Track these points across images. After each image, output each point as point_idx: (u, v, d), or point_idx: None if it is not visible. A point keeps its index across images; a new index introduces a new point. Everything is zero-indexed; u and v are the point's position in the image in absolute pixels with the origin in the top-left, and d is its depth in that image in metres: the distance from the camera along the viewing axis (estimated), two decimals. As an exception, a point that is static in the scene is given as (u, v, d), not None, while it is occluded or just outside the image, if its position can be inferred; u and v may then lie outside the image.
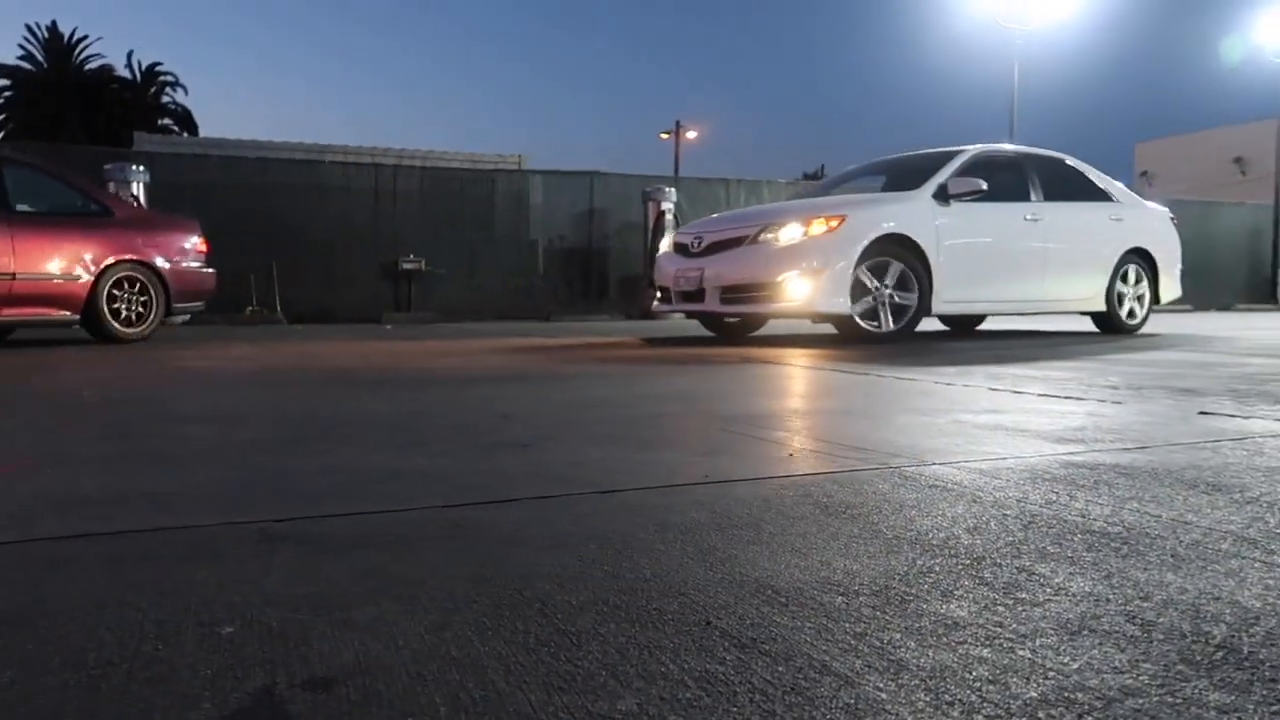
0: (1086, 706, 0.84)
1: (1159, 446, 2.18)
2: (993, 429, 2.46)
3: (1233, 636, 1.00)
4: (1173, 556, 1.30)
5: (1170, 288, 7.96)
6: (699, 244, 6.63)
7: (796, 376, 4.02)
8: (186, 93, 37.20)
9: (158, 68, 38.92)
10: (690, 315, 7.09)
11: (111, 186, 11.20)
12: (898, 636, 1.00)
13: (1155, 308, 7.85)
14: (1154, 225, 7.91)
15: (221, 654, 0.97)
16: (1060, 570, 1.24)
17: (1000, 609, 1.09)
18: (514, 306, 13.02)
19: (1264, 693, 0.86)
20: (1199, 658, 0.94)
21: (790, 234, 6.12)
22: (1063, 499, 1.65)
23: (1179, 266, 8.07)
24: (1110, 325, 7.58)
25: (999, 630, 1.02)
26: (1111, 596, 1.13)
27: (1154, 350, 5.60)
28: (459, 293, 12.72)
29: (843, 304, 6.06)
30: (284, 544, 1.37)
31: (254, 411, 2.93)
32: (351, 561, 1.28)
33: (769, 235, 6.18)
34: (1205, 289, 17.58)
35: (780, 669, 0.92)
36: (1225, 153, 32.85)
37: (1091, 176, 7.69)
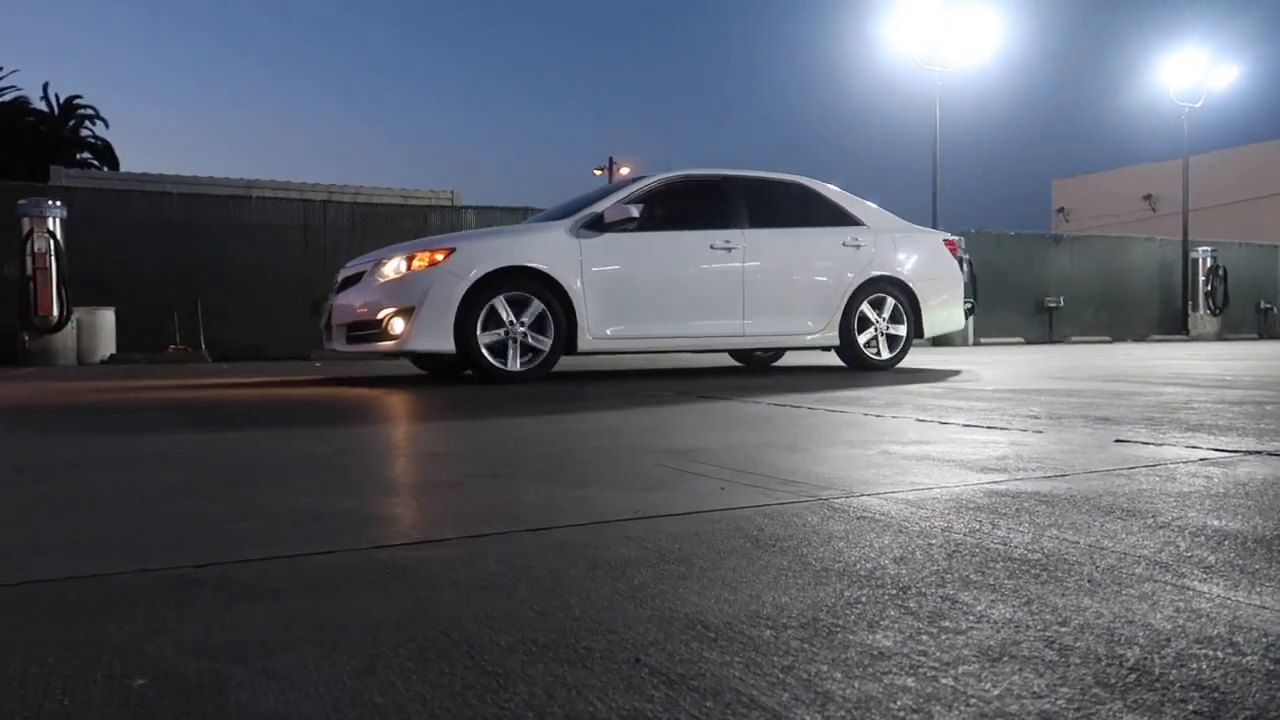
0: (1007, 732, 0.85)
1: (1077, 474, 2.24)
2: (920, 459, 2.51)
3: (1145, 659, 1.03)
4: (1089, 582, 1.33)
5: (941, 320, 7.37)
6: (338, 280, 6.37)
7: (731, 411, 4.05)
8: (107, 126, 36.21)
9: (76, 100, 37.94)
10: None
11: (26, 223, 10.86)
12: (825, 668, 1.01)
13: (959, 339, 7.61)
14: (913, 252, 7.26)
15: (132, 708, 0.93)
16: (983, 598, 1.26)
17: (925, 638, 1.11)
18: (447, 343, 12.88)
19: (1174, 712, 0.89)
20: (1113, 680, 0.97)
21: (393, 268, 5.88)
22: (986, 527, 1.68)
23: (955, 296, 7.46)
24: (854, 360, 7.04)
25: (923, 659, 1.03)
26: (1031, 622, 1.16)
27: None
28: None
29: (445, 342, 5.75)
30: (202, 590, 1.33)
31: (159, 454, 2.85)
32: (273, 608, 1.25)
33: (379, 270, 5.92)
34: (1121, 321, 18.26)
35: (708, 704, 0.92)
36: (1137, 190, 34.30)
37: (834, 200, 7.16)
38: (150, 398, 5.25)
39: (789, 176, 7.14)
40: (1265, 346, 13.46)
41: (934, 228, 15.82)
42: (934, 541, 1.58)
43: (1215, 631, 1.12)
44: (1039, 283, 17.40)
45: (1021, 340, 16.67)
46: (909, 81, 17.85)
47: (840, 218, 7.10)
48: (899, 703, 0.92)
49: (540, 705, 0.92)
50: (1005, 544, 1.56)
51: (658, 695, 0.94)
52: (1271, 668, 1.00)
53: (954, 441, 2.87)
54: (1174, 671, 0.99)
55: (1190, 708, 0.90)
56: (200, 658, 1.06)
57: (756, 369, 7.68)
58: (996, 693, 0.94)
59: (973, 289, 15.44)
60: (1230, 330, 18.82)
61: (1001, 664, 1.02)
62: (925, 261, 7.29)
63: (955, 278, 7.55)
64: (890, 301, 7.06)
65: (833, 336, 6.89)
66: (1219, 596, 1.26)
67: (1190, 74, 19.88)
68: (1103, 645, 1.07)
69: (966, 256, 15.44)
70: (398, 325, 5.76)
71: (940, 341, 15.25)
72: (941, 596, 1.27)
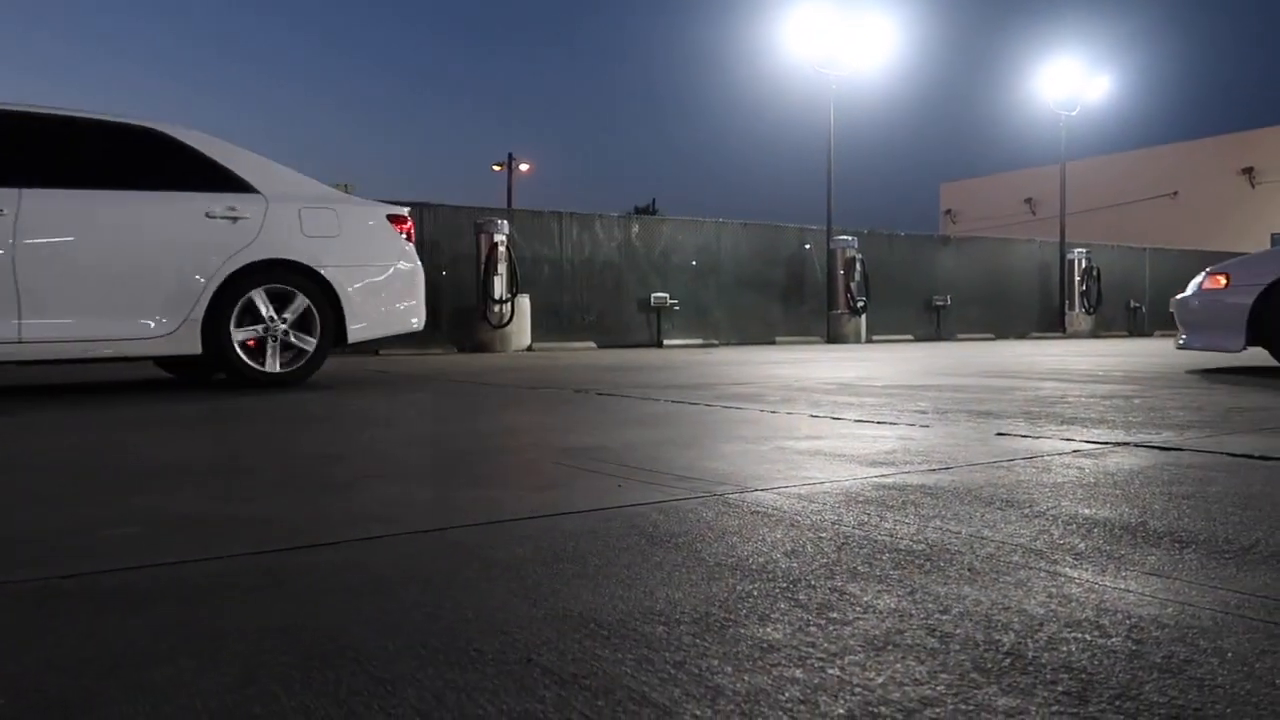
0: (889, 719, 0.88)
1: (960, 467, 2.33)
2: (812, 454, 2.56)
3: (1019, 643, 1.07)
4: (970, 570, 1.38)
5: (379, 321, 5.71)
6: None
7: (634, 408, 4.07)
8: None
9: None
10: None
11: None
12: (716, 663, 1.02)
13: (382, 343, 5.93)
14: (332, 231, 5.51)
15: (-12, 729, 0.88)
16: (870, 589, 1.30)
17: (813, 629, 1.13)
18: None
19: (1045, 694, 0.93)
20: (990, 665, 1.01)
21: None
22: (874, 520, 1.73)
23: (401, 291, 5.82)
24: (233, 372, 5.25)
25: (811, 650, 1.06)
26: (914, 611, 1.19)
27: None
28: (282, 327, 12.17)
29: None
30: (71, 602, 1.26)
31: (31, 456, 2.69)
32: (149, 618, 1.19)
33: None
34: (1004, 319, 19.04)
35: (600, 703, 0.92)
36: (1018, 194, 35.79)
37: (205, 154, 5.33)
38: None
39: (125, 119, 5.26)
40: (1134, 343, 14.25)
41: (828, 229, 16.26)
42: (824, 534, 1.62)
43: (1084, 615, 1.17)
44: (928, 282, 18.00)
45: (911, 337, 17.22)
46: (804, 85, 18.23)
47: (214, 180, 5.29)
48: (787, 694, 0.94)
49: (429, 710, 0.90)
50: (892, 536, 1.60)
51: (549, 695, 0.94)
52: (1134, 648, 1.05)
53: (845, 437, 2.95)
54: (1046, 655, 1.04)
55: (1060, 689, 0.94)
56: (66, 674, 1.01)
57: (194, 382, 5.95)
58: (880, 681, 0.97)
59: (865, 287, 15.92)
60: (1103, 328, 19.84)
61: (886, 653, 1.05)
62: (353, 244, 5.60)
63: (403, 267, 5.84)
64: (298, 297, 5.34)
65: (192, 342, 5.10)
66: (1088, 581, 1.32)
67: (1067, 84, 20.87)
68: (981, 631, 1.11)
69: (860, 256, 15.91)
70: None
71: (834, 338, 15.63)
72: (830, 588, 1.30)
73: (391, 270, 5.79)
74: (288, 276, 5.35)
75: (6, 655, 1.06)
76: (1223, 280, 6.11)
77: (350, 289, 5.52)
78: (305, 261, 5.38)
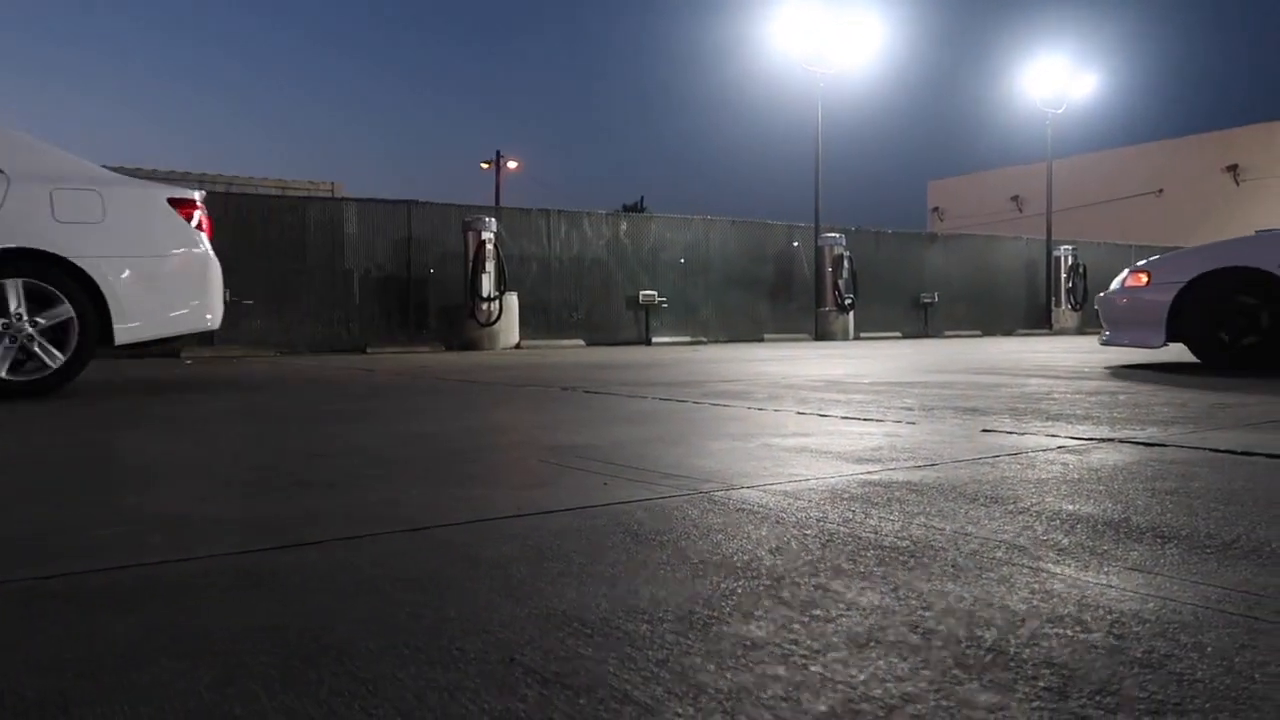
0: (871, 716, 0.88)
1: (946, 463, 2.34)
2: (798, 451, 2.56)
3: (1001, 639, 1.08)
4: (953, 567, 1.39)
5: (155, 320, 5.01)
6: None
7: (621, 405, 4.07)
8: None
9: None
10: None
11: None
12: (699, 661, 1.02)
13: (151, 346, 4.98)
14: (99, 217, 4.85)
15: (-36, 732, 0.87)
16: (853, 585, 1.30)
17: (796, 627, 1.13)
18: (330, 338, 12.52)
19: (1026, 690, 0.93)
20: (971, 661, 1.01)
21: None
22: (859, 517, 1.73)
23: (185, 286, 5.16)
24: None
25: (794, 648, 1.06)
26: (898, 608, 1.20)
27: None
28: (269, 325, 12.12)
29: None
30: (53, 603, 1.25)
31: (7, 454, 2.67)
32: (131, 619, 1.19)
33: None
34: (991, 316, 19.11)
35: (582, 702, 0.92)
36: (1005, 191, 35.91)
37: None
38: None
39: None
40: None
41: (816, 227, 16.28)
42: (809, 532, 1.62)
43: (1066, 611, 1.18)
44: (915, 279, 18.05)
45: (899, 334, 17.27)
46: (793, 83, 18.23)
47: None
48: (769, 692, 0.94)
49: (410, 710, 0.90)
50: (876, 532, 1.61)
51: (531, 694, 0.93)
52: (1115, 644, 1.06)
53: (831, 433, 2.95)
54: (1027, 650, 1.04)
55: (1041, 684, 0.95)
56: (47, 674, 1.00)
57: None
58: (863, 678, 0.97)
59: (853, 285, 15.95)
60: (1089, 325, 19.94)
61: (868, 650, 1.05)
62: (125, 232, 4.93)
63: (189, 257, 5.19)
64: (51, 291, 4.63)
65: None
66: (1070, 577, 1.33)
67: (1054, 82, 20.95)
68: (963, 628, 1.12)
69: (847, 253, 15.93)
70: None
71: (822, 335, 15.66)
72: (814, 585, 1.30)
73: (169, 261, 5.08)
74: (42, 272, 4.60)
75: (-15, 657, 1.05)
76: (1144, 278, 6.19)
77: (127, 287, 4.83)
78: (64, 254, 4.64)
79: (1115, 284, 6.45)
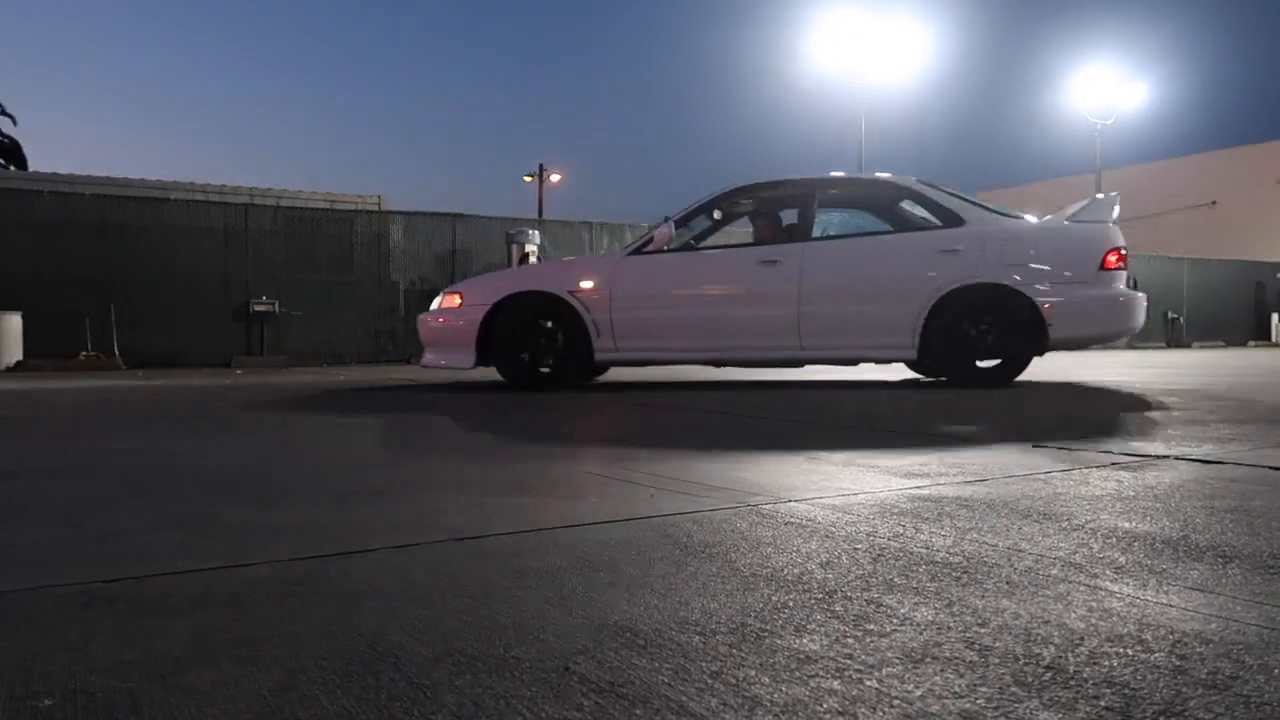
0: (929, 732, 0.87)
1: (997, 479, 2.31)
2: (846, 465, 2.55)
3: (1060, 657, 1.06)
4: (1008, 583, 1.37)
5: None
6: None
7: (662, 417, 4.07)
8: (15, 123, 34.52)
9: (-18, 96, 36.27)
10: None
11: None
12: (753, 673, 1.02)
13: None
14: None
15: (37, 729, 0.89)
16: (906, 601, 1.29)
17: (850, 641, 1.12)
18: (376, 350, 12.70)
19: (1088, 709, 0.92)
20: (1030, 679, 1.00)
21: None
22: (909, 531, 1.72)
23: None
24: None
25: (849, 662, 1.05)
26: (952, 624, 1.18)
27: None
28: (317, 336, 12.32)
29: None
30: (112, 606, 1.28)
31: (68, 462, 2.74)
32: (189, 623, 1.21)
33: None
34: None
35: (638, 712, 0.92)
36: (1054, 204, 35.43)
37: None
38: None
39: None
40: (1173, 355, 14.03)
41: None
42: (859, 546, 1.61)
43: (1125, 630, 1.16)
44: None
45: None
46: (835, 96, 18.17)
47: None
48: (825, 705, 0.93)
49: (468, 716, 0.91)
50: (928, 547, 1.59)
51: (587, 704, 0.94)
52: (1177, 664, 1.04)
53: (879, 447, 2.92)
54: (1087, 669, 1.02)
55: (1102, 704, 0.93)
56: (111, 676, 1.02)
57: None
58: (919, 694, 0.96)
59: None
60: (1140, 338, 19.56)
61: (924, 665, 1.04)
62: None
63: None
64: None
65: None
66: (1129, 596, 1.30)
67: (1101, 93, 20.66)
68: (1020, 645, 1.10)
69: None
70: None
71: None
72: (866, 600, 1.29)
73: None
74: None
75: (51, 658, 1.08)
76: (457, 299, 6.14)
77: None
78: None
79: (434, 304, 6.39)
